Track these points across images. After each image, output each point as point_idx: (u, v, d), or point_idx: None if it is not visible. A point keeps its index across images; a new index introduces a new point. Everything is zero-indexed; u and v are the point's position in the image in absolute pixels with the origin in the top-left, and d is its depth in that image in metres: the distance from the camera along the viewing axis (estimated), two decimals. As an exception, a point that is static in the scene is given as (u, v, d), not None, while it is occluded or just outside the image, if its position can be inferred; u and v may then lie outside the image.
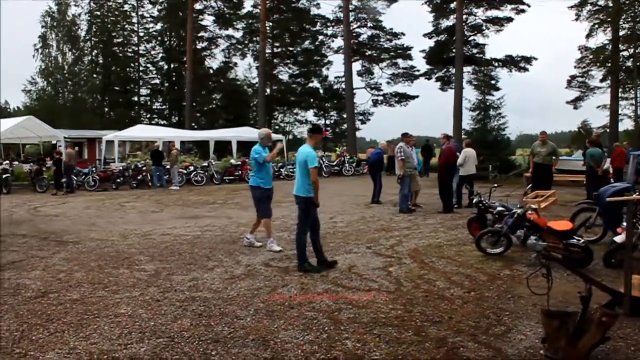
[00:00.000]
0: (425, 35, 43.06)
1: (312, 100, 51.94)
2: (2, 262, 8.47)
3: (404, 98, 47.71)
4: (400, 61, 47.08)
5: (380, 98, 48.51)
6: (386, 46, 47.49)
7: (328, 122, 52.68)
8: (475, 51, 42.01)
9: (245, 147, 32.04)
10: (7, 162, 22.74)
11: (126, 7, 55.18)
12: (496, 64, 40.41)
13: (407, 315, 5.70)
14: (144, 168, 23.91)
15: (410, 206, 14.31)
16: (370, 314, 5.73)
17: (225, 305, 6.06)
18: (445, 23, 41.74)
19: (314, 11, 49.42)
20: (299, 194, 7.79)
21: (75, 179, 22.23)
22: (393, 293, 6.52)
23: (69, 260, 8.58)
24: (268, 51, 48.27)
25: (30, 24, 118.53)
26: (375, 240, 10.15)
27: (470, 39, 41.40)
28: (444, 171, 14.44)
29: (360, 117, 49.04)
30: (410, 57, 46.46)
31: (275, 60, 51.69)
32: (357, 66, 46.83)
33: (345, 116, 43.75)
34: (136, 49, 55.94)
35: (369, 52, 48.21)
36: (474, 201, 9.98)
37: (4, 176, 21.21)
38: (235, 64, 54.35)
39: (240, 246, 9.60)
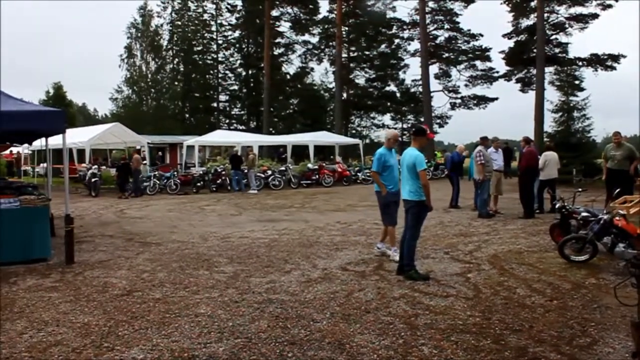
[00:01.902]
0: (504, 36, 42.08)
1: (388, 103, 51.74)
2: (92, 260, 8.90)
3: (482, 100, 46.73)
4: (478, 63, 46.24)
5: (458, 101, 47.76)
6: (464, 48, 46.72)
7: (405, 125, 52.29)
8: (557, 50, 40.63)
9: (321, 151, 32.32)
10: (96, 166, 23.82)
11: (205, 16, 56.83)
12: (580, 63, 38.83)
13: (485, 323, 5.57)
14: (223, 172, 24.49)
15: (490, 211, 13.99)
16: (447, 320, 5.64)
17: (302, 308, 6.12)
18: (525, 22, 40.62)
19: (390, 14, 49.20)
20: (410, 197, 7.50)
21: (150, 183, 23.05)
22: (471, 299, 6.39)
23: (151, 261, 8.91)
24: (344, 55, 48.47)
25: (117, 35, 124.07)
26: (453, 245, 9.98)
27: (551, 38, 40.03)
28: (524, 175, 14.01)
29: (438, 121, 48.39)
30: (488, 59, 45.51)
31: (351, 64, 51.81)
32: (434, 69, 46.32)
33: (422, 119, 43.21)
34: (215, 56, 57.43)
35: (446, 54, 47.53)
36: (557, 206, 9.62)
37: (93, 180, 22.30)
38: (312, 69, 54.98)
39: (316, 249, 9.67)
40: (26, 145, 20.72)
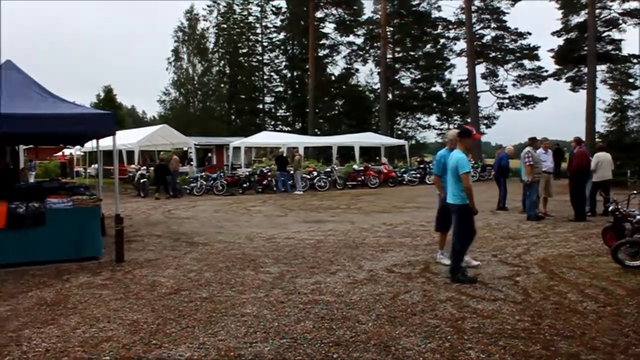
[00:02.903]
0: (553, 33, 41.18)
1: (434, 104, 51.25)
2: (140, 259, 9.09)
3: (530, 100, 45.81)
4: (526, 62, 45.39)
5: (506, 101, 46.94)
6: (511, 47, 45.91)
7: (451, 126, 51.63)
8: (609, 47, 39.44)
9: (367, 152, 32.22)
10: (144, 167, 24.29)
11: (250, 19, 57.42)
12: (635, 61, 37.60)
13: (534, 328, 5.44)
14: (269, 173, 24.67)
15: (539, 213, 13.69)
16: (495, 324, 5.53)
17: (347, 309, 6.10)
18: (576, 19, 39.68)
19: (435, 14, 48.74)
20: (453, 201, 7.39)
21: (197, 184, 23.39)
22: (520, 303, 6.26)
23: (198, 260, 9.03)
24: (389, 56, 48.26)
25: (165, 39, 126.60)
26: (501, 248, 9.81)
27: (603, 35, 38.89)
28: (575, 176, 13.64)
29: (485, 121, 47.65)
30: (537, 57, 44.60)
31: (397, 65, 51.55)
32: (480, 68, 45.68)
33: (469, 120, 42.62)
34: (260, 58, 57.95)
35: (493, 54, 46.80)
36: (610, 209, 9.32)
37: (142, 181, 22.78)
38: (357, 70, 54.96)
39: (362, 250, 9.64)
40: (78, 147, 21.31)
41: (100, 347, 5.06)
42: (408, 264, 8.47)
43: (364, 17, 51.25)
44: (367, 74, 62.79)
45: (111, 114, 9.22)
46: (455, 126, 50.24)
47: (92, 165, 30.38)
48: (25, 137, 13.45)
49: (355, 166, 27.55)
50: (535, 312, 5.92)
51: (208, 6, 57.40)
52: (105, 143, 11.39)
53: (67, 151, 38.29)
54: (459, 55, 48.45)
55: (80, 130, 9.26)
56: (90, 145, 16.39)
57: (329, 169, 26.64)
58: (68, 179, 30.04)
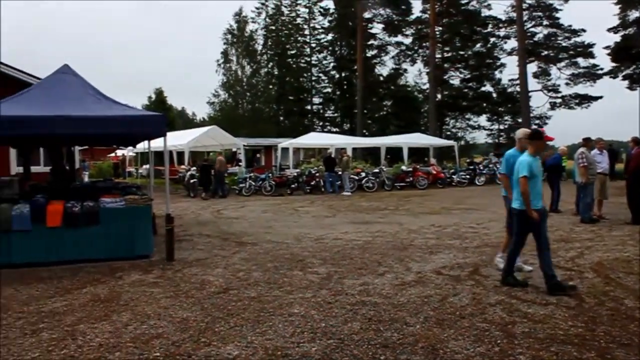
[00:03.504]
0: (609, 30, 39.93)
1: (484, 104, 50.40)
2: (190, 258, 9.24)
3: (585, 99, 44.47)
4: (580, 60, 44.01)
5: (559, 100, 45.68)
6: (564, 44, 44.66)
7: (502, 127, 50.80)
8: (670, 43, 37.96)
9: (415, 153, 31.96)
10: (194, 168, 24.69)
11: (298, 20, 57.75)
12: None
13: (589, 334, 5.27)
14: (317, 174, 24.73)
15: (594, 216, 13.29)
16: (547, 330, 5.39)
17: (395, 311, 6.06)
18: (634, 14, 38.30)
19: (485, 12, 47.94)
20: (514, 205, 7.20)
21: (246, 185, 23.63)
22: (573, 309, 6.08)
23: (247, 260, 9.12)
24: (438, 56, 47.74)
25: (214, 41, 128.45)
26: (553, 251, 9.50)
27: (664, 30, 37.50)
28: (633, 178, 13.17)
29: (537, 121, 46.51)
30: (591, 55, 43.22)
31: (446, 65, 50.93)
32: (532, 67, 44.66)
33: (520, 120, 41.71)
34: (308, 59, 58.19)
35: (545, 52, 45.67)
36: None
37: (191, 181, 23.16)
38: (405, 70, 54.58)
39: (410, 252, 9.56)
40: (130, 147, 21.81)
41: (151, 343, 5.16)
42: (457, 266, 8.35)
43: (412, 16, 50.86)
44: (415, 74, 62.46)
45: (162, 115, 9.40)
46: (507, 126, 49.39)
47: (144, 166, 31.14)
48: (81, 139, 13.85)
49: (403, 167, 27.35)
50: (590, 318, 5.74)
51: (256, 8, 58.02)
52: (157, 144, 11.65)
53: (119, 152, 39.29)
54: (509, 54, 47.44)
55: (132, 131, 9.47)
56: (142, 146, 16.74)
57: (377, 170, 26.51)
58: (120, 179, 30.80)
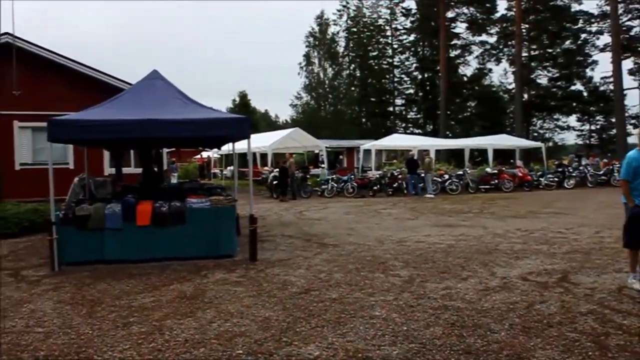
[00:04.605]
0: None
1: (574, 104, 48.44)
2: (272, 259, 9.36)
3: (686, 97, 41.88)
4: (681, 54, 41.51)
5: (657, 98, 43.20)
6: (663, 38, 42.24)
7: (593, 127, 48.60)
8: None
9: (500, 154, 31.11)
10: (277, 169, 25.05)
11: (380, 22, 57.67)
12: None
13: (692, 347, 4.93)
14: (400, 176, 24.52)
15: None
16: (644, 342, 5.08)
17: (479, 317, 5.89)
18: None
19: (575, 7, 46.01)
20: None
21: (328, 186, 23.71)
22: (674, 320, 5.70)
23: (328, 261, 9.14)
24: (524, 54, 46.31)
25: (296, 44, 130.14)
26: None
27: None
28: None
29: (632, 121, 44.20)
30: (695, 49, 40.66)
31: (532, 64, 49.34)
32: (627, 64, 42.49)
33: (613, 120, 39.75)
34: (390, 60, 58.00)
35: (642, 48, 43.33)
36: None
37: (274, 183, 23.50)
38: (490, 70, 53.35)
39: (495, 257, 9.29)
40: (215, 149, 22.41)
41: (234, 341, 5.26)
42: (544, 273, 8.03)
43: (497, 15, 49.59)
44: (500, 74, 60.70)
45: (247, 118, 9.59)
46: (599, 127, 47.22)
47: (228, 167, 31.90)
48: (168, 141, 14.37)
49: (488, 169, 26.64)
50: (693, 331, 5.36)
51: (338, 10, 58.44)
52: (240, 146, 11.91)
53: (204, 154, 40.51)
54: (602, 50, 45.41)
55: (218, 134, 9.71)
56: (226, 148, 17.19)
57: (460, 172, 25.99)
58: (206, 180, 31.73)
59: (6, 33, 17.64)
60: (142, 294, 7.09)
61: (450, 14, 49.35)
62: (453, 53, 52.51)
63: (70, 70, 18.97)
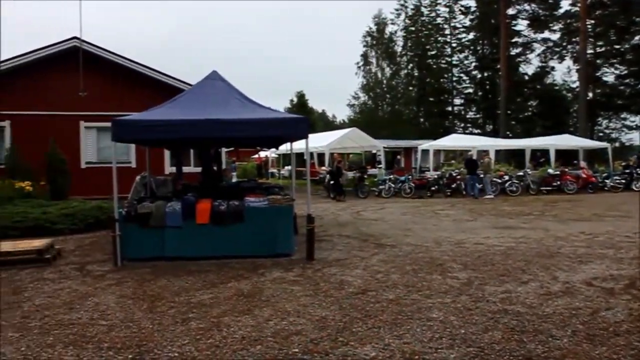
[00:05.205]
0: None
1: (643, 102, 46.46)
2: (329, 258, 9.37)
3: None
4: None
5: None
6: None
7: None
8: None
9: (563, 155, 30.23)
10: (330, 169, 25.07)
11: (439, 20, 57.12)
12: None
13: None
14: (458, 176, 24.18)
15: None
16: None
17: (540, 322, 5.73)
18: None
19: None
20: None
21: (385, 186, 23.58)
22: None
23: (385, 262, 9.08)
24: (589, 51, 44.76)
25: (353, 44, 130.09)
26: None
27: None
28: None
29: None
30: None
31: (598, 61, 47.65)
32: None
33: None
34: (449, 59, 57.33)
35: None
36: None
37: (331, 182, 23.53)
38: (552, 68, 51.86)
39: (557, 260, 9.02)
40: (273, 149, 22.62)
41: (290, 339, 5.29)
42: (610, 278, 7.74)
43: (561, 10, 48.15)
44: (564, 72, 59.00)
45: (305, 118, 9.64)
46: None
47: (285, 167, 32.17)
48: (227, 141, 14.60)
49: (550, 170, 25.90)
50: None
51: (396, 10, 58.16)
52: (298, 146, 11.98)
53: (262, 153, 40.99)
54: (676, 44, 43.26)
55: (276, 133, 9.80)
56: (284, 147, 17.32)
57: (521, 173, 25.39)
58: (264, 179, 32.10)
59: (74, 37, 18.34)
60: (201, 291, 7.22)
61: (511, 11, 48.26)
62: (514, 51, 51.33)
63: (132, 72, 19.59)
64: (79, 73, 16.95)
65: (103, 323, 5.93)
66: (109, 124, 9.10)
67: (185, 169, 17.44)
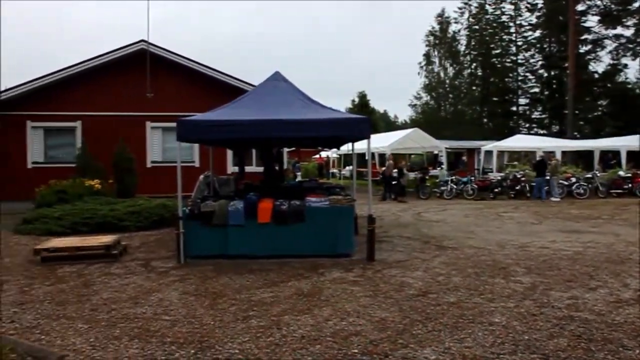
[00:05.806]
0: None
1: None
2: (390, 260, 9.32)
3: None
4: None
5: None
6: None
7: None
8: None
9: (635, 157, 29.03)
10: (396, 170, 24.93)
11: (503, 18, 55.86)
12: None
13: None
14: (523, 178, 23.61)
15: None
16: None
17: (609, 331, 5.52)
18: None
19: None
20: None
21: (447, 188, 23.33)
22: None
23: (447, 264, 8.96)
24: (666, 47, 42.74)
25: (416, 44, 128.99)
26: None
27: None
28: None
29: None
30: None
31: (675, 57, 45.44)
32: None
33: None
34: (514, 58, 55.98)
35: None
36: None
37: (393, 183, 23.40)
38: (625, 65, 49.69)
39: (628, 267, 8.67)
40: (334, 149, 22.67)
41: (350, 339, 5.29)
42: (686, 285, 7.39)
43: (636, 4, 46.14)
44: (637, 70, 56.57)
45: (367, 118, 9.61)
46: None
47: (346, 167, 32.18)
48: (289, 141, 14.72)
49: (621, 172, 24.91)
50: None
51: (459, 8, 57.16)
52: (359, 146, 11.95)
53: (323, 153, 41.15)
54: None
55: (338, 134, 9.81)
56: (345, 148, 17.33)
57: (589, 175, 24.54)
58: (324, 179, 32.22)
59: (142, 40, 18.91)
60: (262, 289, 7.31)
61: (580, 7, 46.65)
62: (583, 49, 49.58)
63: (197, 73, 20.03)
64: (145, 74, 17.46)
65: (166, 318, 6.08)
66: (174, 124, 9.34)
67: (247, 169, 17.70)
